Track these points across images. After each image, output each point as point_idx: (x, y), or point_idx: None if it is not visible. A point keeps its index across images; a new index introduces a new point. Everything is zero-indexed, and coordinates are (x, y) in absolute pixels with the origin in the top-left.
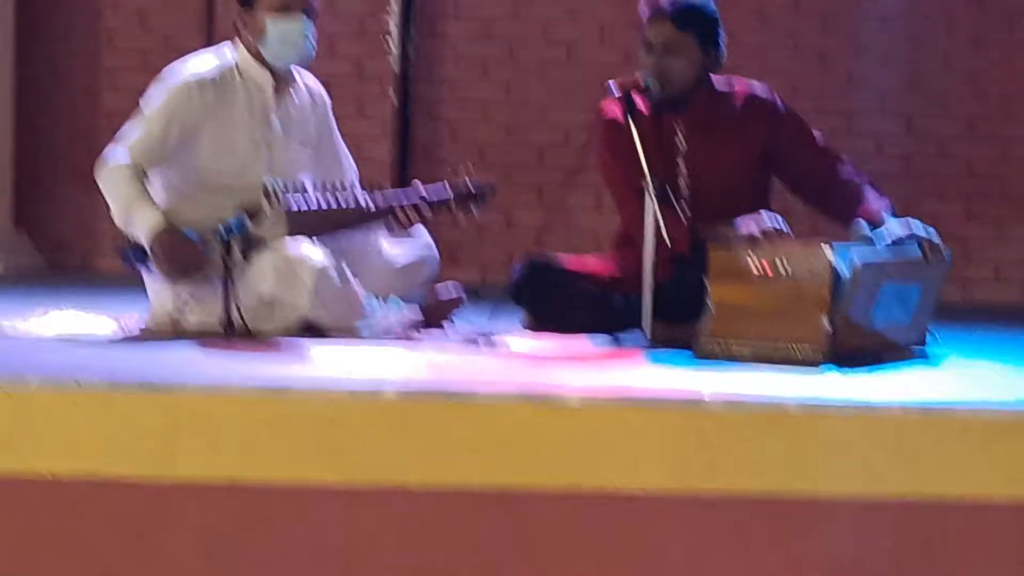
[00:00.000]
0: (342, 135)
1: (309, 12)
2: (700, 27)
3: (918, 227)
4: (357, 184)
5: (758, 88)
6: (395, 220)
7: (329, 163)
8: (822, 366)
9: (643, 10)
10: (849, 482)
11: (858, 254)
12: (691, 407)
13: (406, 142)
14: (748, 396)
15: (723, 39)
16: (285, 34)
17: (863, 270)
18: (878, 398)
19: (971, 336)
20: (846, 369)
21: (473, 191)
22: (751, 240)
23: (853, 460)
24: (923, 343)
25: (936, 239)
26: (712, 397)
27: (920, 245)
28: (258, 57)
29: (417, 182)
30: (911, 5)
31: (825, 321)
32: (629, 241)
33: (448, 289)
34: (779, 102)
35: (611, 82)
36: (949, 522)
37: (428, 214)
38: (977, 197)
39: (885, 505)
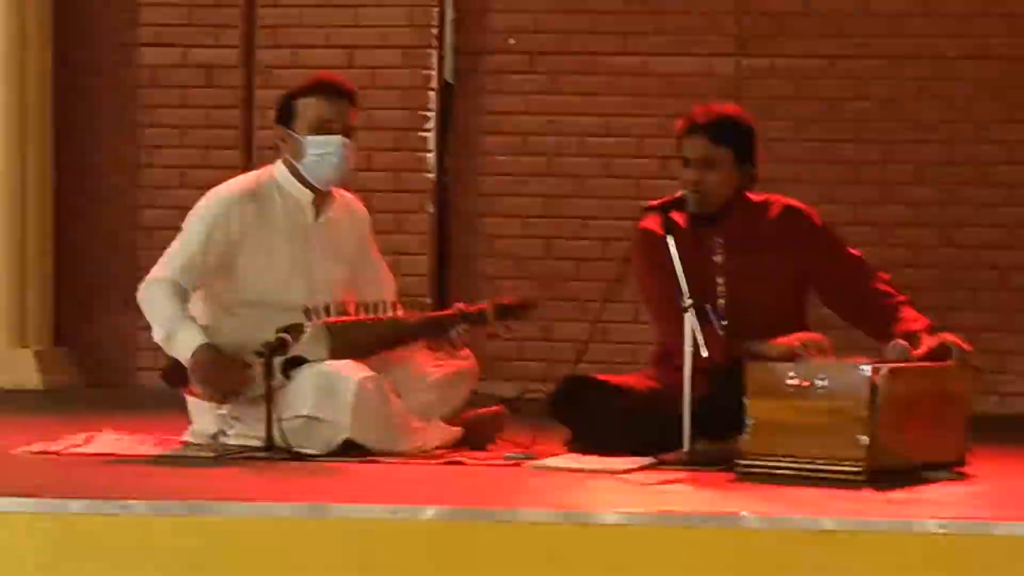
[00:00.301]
0: (381, 249)
1: (347, 131)
2: (736, 141)
3: (953, 342)
4: (395, 300)
5: (794, 203)
6: (436, 339)
7: (368, 280)
8: (862, 484)
9: (680, 124)
10: None
11: (890, 369)
12: (731, 526)
13: (445, 255)
14: (788, 515)
15: (758, 154)
16: (323, 154)
17: (893, 382)
18: (918, 517)
19: (1009, 451)
20: (885, 487)
21: (512, 307)
22: (789, 355)
23: None
24: (961, 459)
25: (969, 353)
26: (752, 516)
27: (956, 359)
28: (297, 175)
29: (460, 305)
30: (947, 116)
31: (864, 439)
32: (667, 356)
33: (490, 409)
34: (815, 217)
35: (649, 202)
36: None
37: (466, 334)
38: (1012, 310)
39: None
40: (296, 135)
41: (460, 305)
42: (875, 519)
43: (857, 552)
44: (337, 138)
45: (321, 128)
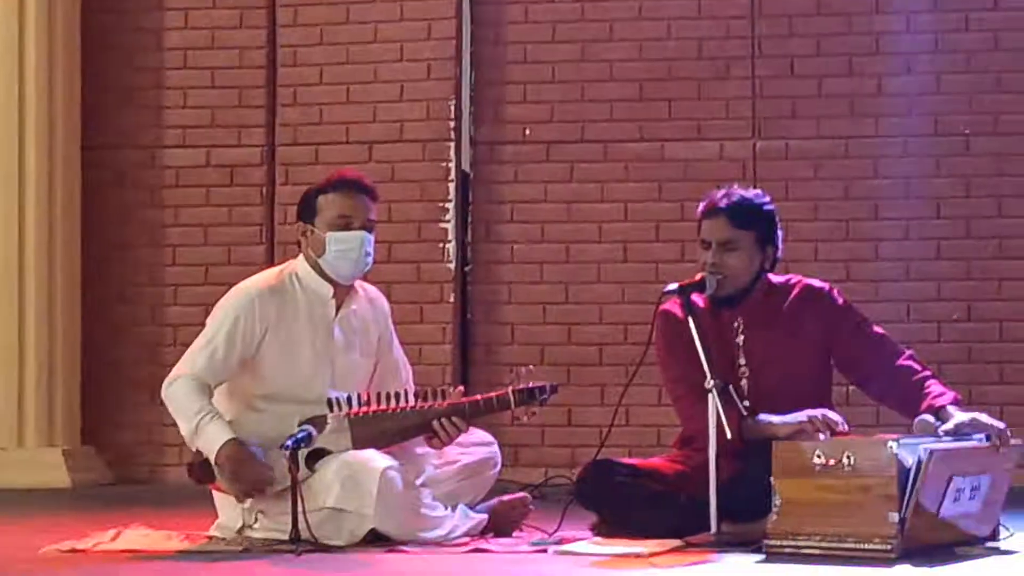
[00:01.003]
0: (402, 339)
1: (367, 225)
2: (757, 225)
3: (985, 419)
4: (416, 389)
5: (815, 283)
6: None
7: (388, 372)
8: (893, 563)
9: (700, 207)
10: None
11: (926, 447)
12: None
13: (467, 344)
14: None
15: (780, 236)
16: (345, 249)
17: (932, 463)
18: None
19: None
20: (918, 563)
21: (535, 392)
22: (797, 431)
23: None
24: (996, 535)
25: (1004, 429)
26: None
27: (988, 436)
28: (319, 269)
29: (461, 388)
30: (963, 191)
31: (894, 516)
32: (691, 439)
33: (515, 495)
34: (836, 295)
35: (670, 285)
36: None
37: (454, 432)
38: None
39: None
40: (318, 231)
41: (460, 389)
42: None
43: None
44: (358, 234)
45: (342, 224)
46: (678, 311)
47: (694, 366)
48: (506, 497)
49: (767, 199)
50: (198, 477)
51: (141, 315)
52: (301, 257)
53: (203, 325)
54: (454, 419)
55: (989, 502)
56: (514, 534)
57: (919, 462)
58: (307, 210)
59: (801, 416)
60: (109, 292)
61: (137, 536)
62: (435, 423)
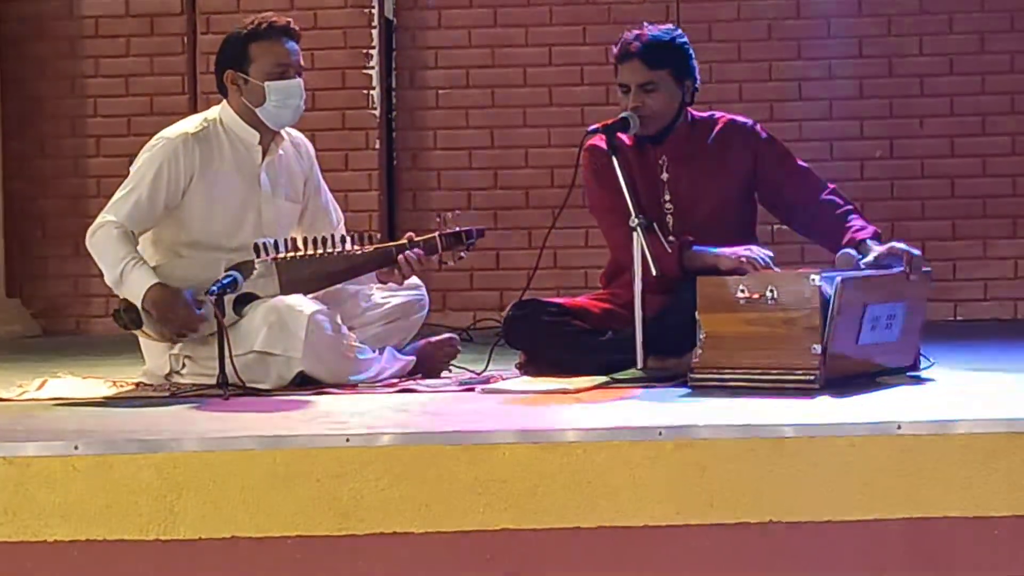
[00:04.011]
0: (329, 187)
1: (300, 72)
2: (672, 62)
3: (901, 246)
4: (345, 234)
5: (739, 118)
6: (386, 270)
7: (318, 216)
8: (816, 392)
9: (614, 51)
10: (849, 506)
11: (842, 278)
12: (688, 439)
13: (393, 191)
14: (744, 425)
15: (696, 68)
16: (285, 97)
17: (845, 292)
18: (873, 420)
19: (963, 354)
20: (840, 393)
21: (462, 236)
22: (737, 268)
23: (852, 483)
24: (915, 364)
25: (916, 255)
26: (708, 428)
27: (902, 261)
28: (245, 116)
29: (411, 234)
30: (885, 30)
31: (817, 348)
32: (619, 272)
33: (442, 337)
34: (760, 130)
35: (593, 126)
36: (951, 540)
37: (418, 266)
38: (962, 216)
39: (887, 526)
40: (253, 80)
41: (410, 234)
42: (832, 424)
43: (815, 459)
44: (297, 82)
45: (279, 73)
46: (605, 146)
47: (621, 201)
48: (433, 339)
49: (678, 32)
50: (124, 323)
51: (63, 168)
52: (224, 104)
53: (127, 176)
54: (417, 252)
55: (907, 330)
56: (442, 375)
57: (834, 294)
58: (237, 58)
59: (740, 250)
60: (30, 146)
61: (64, 384)
62: (400, 257)
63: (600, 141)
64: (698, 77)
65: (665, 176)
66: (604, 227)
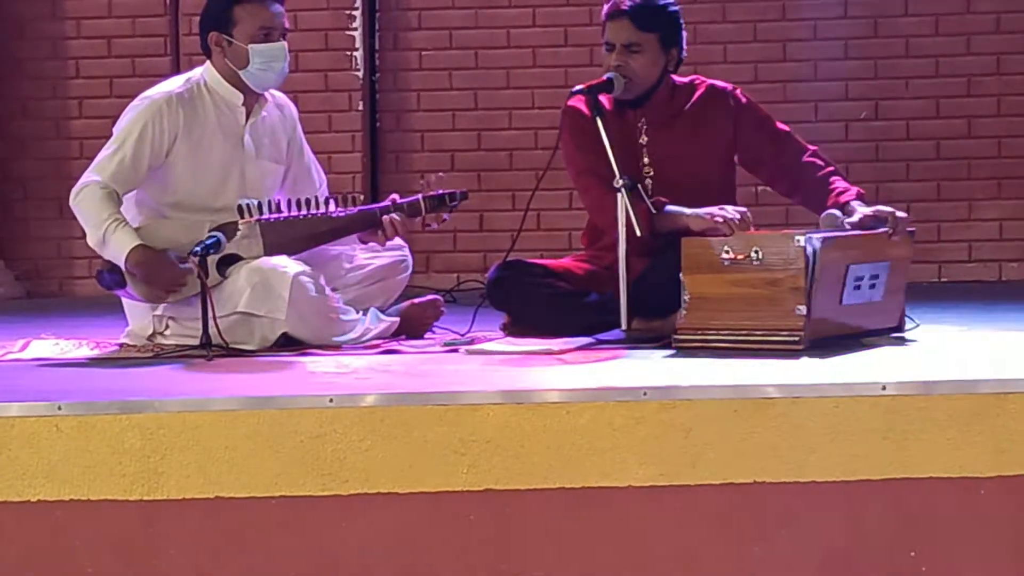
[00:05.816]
0: (312, 149)
1: (285, 34)
2: (661, 27)
3: (886, 208)
4: (328, 196)
5: (719, 83)
6: (369, 232)
7: (301, 178)
8: (800, 353)
9: (604, 9)
10: (833, 466)
11: (822, 238)
12: (672, 400)
13: (376, 152)
14: (729, 386)
15: (684, 37)
16: (269, 60)
17: (824, 252)
18: (858, 381)
19: (947, 316)
20: (824, 354)
21: (445, 199)
22: (710, 228)
23: (837, 444)
24: (900, 325)
25: (901, 216)
26: (692, 389)
27: (889, 225)
28: (229, 78)
29: (395, 195)
30: None
31: (801, 308)
32: (599, 235)
33: (426, 298)
34: (740, 95)
35: (577, 86)
36: (936, 501)
37: (402, 228)
38: (946, 178)
39: (871, 488)
40: (237, 42)
41: (394, 196)
42: (816, 384)
43: (800, 419)
44: (281, 45)
45: (263, 36)
46: (584, 108)
47: (602, 161)
48: (417, 300)
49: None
50: (107, 283)
51: (45, 130)
52: (208, 65)
53: (109, 137)
54: (399, 215)
55: (891, 291)
56: (426, 336)
57: (817, 254)
58: (221, 20)
59: (713, 210)
60: (11, 107)
61: (47, 345)
62: (384, 218)
63: (579, 102)
64: (684, 48)
65: (644, 140)
66: (580, 188)
